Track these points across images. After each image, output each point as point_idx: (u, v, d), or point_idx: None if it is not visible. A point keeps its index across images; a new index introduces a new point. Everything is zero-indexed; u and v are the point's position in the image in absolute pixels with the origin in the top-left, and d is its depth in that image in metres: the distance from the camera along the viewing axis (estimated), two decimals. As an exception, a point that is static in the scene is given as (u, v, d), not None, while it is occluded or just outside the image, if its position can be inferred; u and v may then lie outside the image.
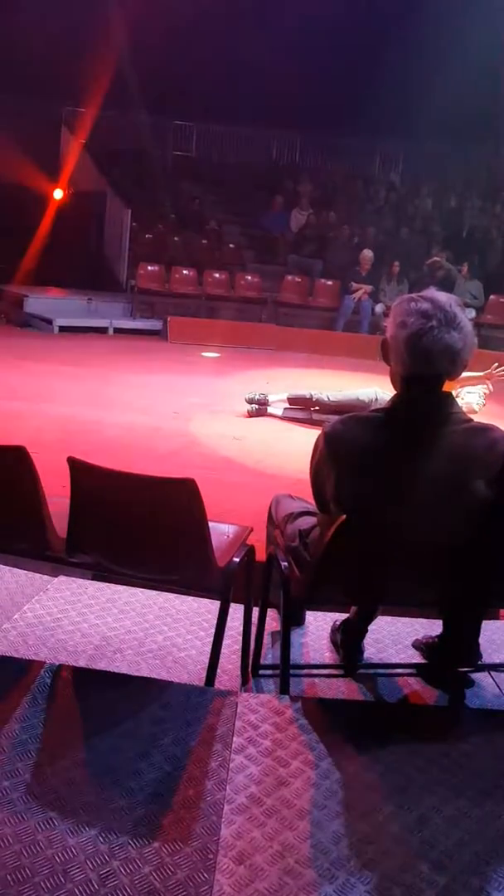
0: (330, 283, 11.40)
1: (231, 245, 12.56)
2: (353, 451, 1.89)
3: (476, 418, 1.96)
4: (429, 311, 1.78)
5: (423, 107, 11.63)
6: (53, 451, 2.40)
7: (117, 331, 10.47)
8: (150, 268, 11.25)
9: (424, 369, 1.83)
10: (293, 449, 4.90)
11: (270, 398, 5.85)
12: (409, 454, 1.87)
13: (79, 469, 2.02)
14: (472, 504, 1.87)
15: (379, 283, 10.82)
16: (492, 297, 10.86)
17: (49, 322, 10.03)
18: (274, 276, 11.78)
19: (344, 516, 1.84)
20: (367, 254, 10.74)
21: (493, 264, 11.43)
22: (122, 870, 1.42)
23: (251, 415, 5.77)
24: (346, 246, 11.94)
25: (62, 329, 10.00)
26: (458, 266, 10.79)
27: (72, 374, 6.61)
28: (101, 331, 10.35)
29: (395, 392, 1.98)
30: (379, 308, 10.46)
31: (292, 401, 5.83)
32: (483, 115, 11.75)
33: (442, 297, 1.82)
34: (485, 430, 1.91)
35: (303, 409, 5.70)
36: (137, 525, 2.04)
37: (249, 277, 11.64)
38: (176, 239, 12.12)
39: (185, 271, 11.36)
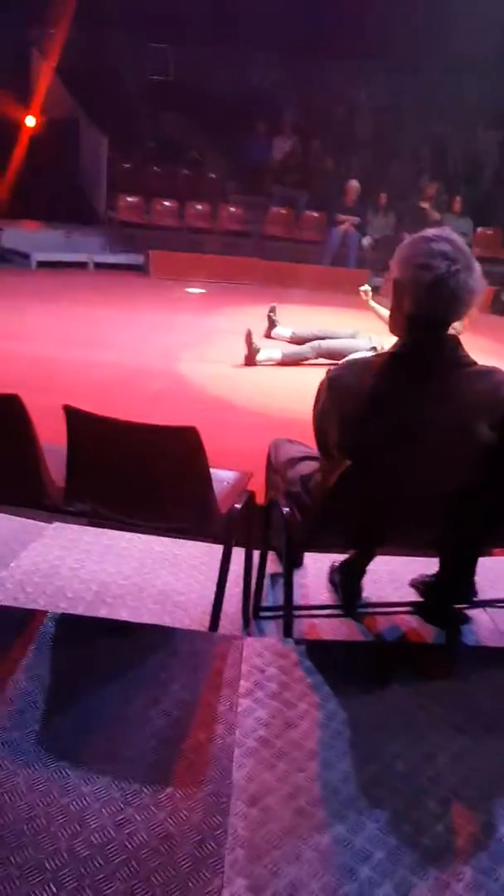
0: (316, 214, 11.12)
1: (212, 175, 12.15)
2: (358, 396, 1.84)
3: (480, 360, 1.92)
4: (450, 253, 1.71)
5: (410, 33, 11.16)
6: (39, 393, 2.33)
7: (98, 266, 10.21)
8: (129, 199, 10.90)
9: (444, 313, 1.78)
10: (283, 386, 4.86)
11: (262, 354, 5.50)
12: (414, 398, 1.83)
13: (76, 417, 1.97)
14: (475, 447, 1.85)
15: (365, 214, 10.57)
16: (479, 229, 10.65)
17: (26, 257, 9.74)
18: (258, 207, 11.44)
19: (348, 462, 1.82)
20: (354, 184, 10.43)
21: (481, 194, 11.18)
22: (137, 816, 1.44)
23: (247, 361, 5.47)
24: (332, 176, 11.61)
25: (40, 264, 9.73)
26: (445, 196, 10.52)
27: (53, 312, 6.45)
28: (82, 266, 10.07)
29: (392, 334, 1.93)
30: (366, 241, 10.25)
31: (296, 341, 5.87)
32: (472, 42, 11.27)
33: (458, 237, 1.76)
34: (489, 372, 1.87)
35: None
36: (138, 474, 2.00)
37: (233, 209, 11.33)
38: (156, 169, 11.72)
39: (165, 203, 11.04)
